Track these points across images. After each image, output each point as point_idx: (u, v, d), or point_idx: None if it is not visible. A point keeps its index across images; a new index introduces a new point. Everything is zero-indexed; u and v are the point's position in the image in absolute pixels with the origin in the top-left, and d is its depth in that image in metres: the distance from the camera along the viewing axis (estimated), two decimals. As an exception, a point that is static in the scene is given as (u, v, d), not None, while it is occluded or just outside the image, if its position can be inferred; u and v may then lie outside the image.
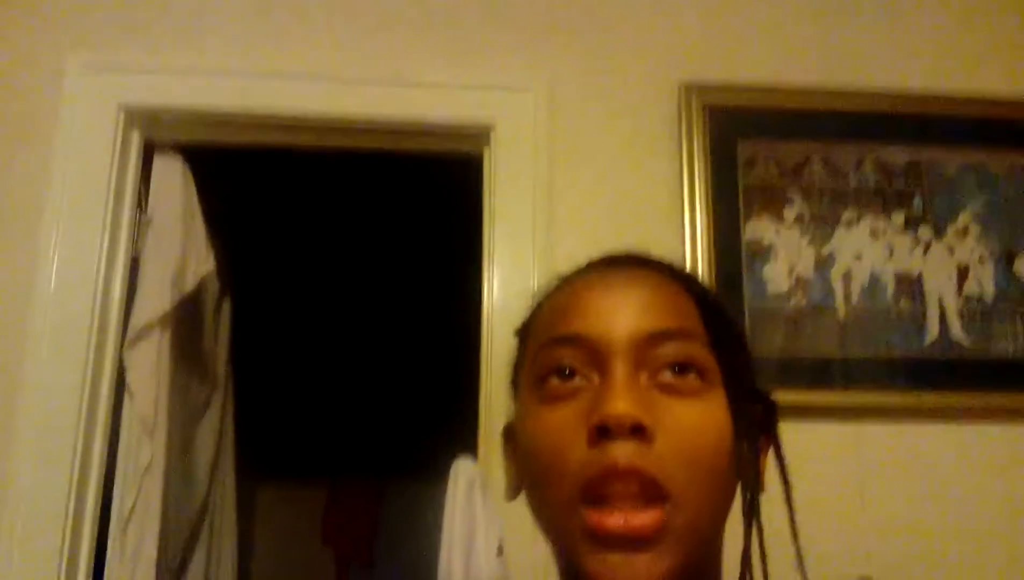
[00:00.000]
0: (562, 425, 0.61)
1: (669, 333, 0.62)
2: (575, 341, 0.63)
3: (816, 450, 1.53)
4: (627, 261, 0.70)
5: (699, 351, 0.62)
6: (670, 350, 0.61)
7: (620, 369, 0.60)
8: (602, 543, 0.57)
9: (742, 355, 0.67)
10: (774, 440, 0.67)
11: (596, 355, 0.62)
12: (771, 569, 0.64)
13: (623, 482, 0.57)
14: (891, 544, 1.51)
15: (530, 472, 0.64)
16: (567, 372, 0.62)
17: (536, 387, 0.64)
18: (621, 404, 0.58)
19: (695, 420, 0.60)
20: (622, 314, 0.63)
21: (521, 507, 0.67)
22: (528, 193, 1.63)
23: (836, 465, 1.55)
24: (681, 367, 0.61)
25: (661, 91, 1.69)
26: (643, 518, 0.56)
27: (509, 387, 0.73)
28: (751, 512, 0.64)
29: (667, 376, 0.61)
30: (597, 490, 0.57)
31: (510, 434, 0.72)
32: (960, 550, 1.52)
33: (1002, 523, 1.55)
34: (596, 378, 0.62)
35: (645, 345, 0.61)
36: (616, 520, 0.56)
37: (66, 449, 1.50)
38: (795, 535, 0.65)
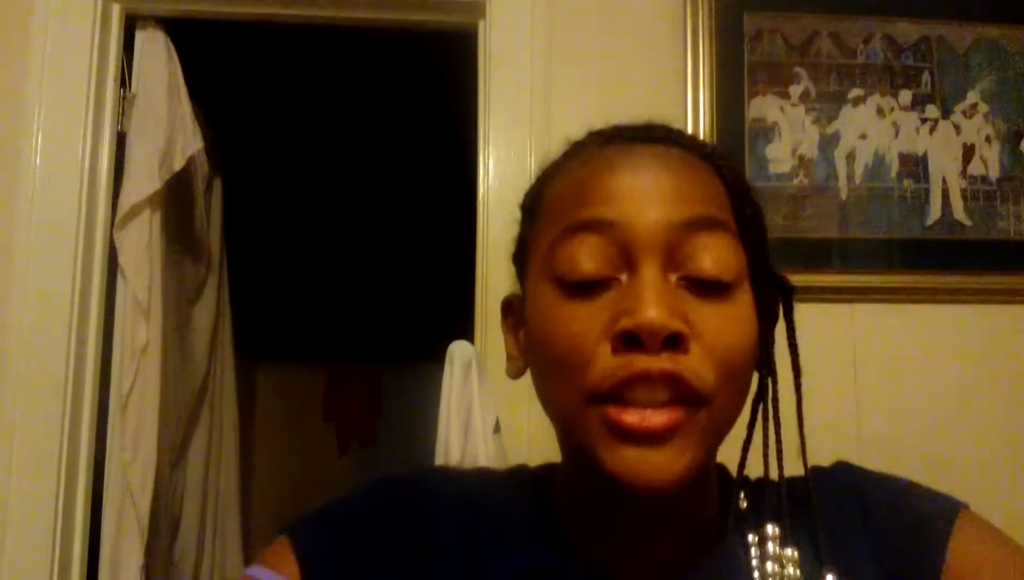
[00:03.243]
0: (584, 324, 0.56)
1: (702, 222, 0.57)
2: (599, 227, 0.57)
3: (811, 330, 1.52)
4: (650, 135, 0.63)
5: (730, 245, 0.58)
6: (702, 250, 0.56)
7: (651, 267, 0.55)
8: (619, 437, 0.54)
9: (764, 239, 0.63)
10: (789, 326, 0.65)
11: (624, 246, 0.56)
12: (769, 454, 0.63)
13: (651, 388, 0.53)
14: (883, 422, 1.53)
15: (543, 367, 0.60)
16: (589, 265, 0.57)
17: (552, 276, 0.59)
18: (654, 311, 0.53)
19: (727, 324, 0.56)
20: (652, 199, 0.57)
21: (516, 388, 0.66)
22: (525, 68, 1.58)
23: (831, 345, 1.56)
24: (712, 264, 0.57)
25: (665, -39, 1.62)
26: (661, 417, 0.53)
27: (511, 261, 0.69)
28: (764, 401, 0.63)
29: (697, 275, 0.56)
30: (619, 393, 0.54)
31: (510, 308, 0.69)
32: (953, 428, 1.55)
33: (997, 403, 1.56)
34: (623, 275, 0.56)
35: (677, 237, 0.56)
36: (633, 417, 0.53)
37: (61, 332, 1.50)
38: (800, 424, 0.64)
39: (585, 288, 0.57)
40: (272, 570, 0.63)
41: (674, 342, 0.54)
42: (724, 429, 0.58)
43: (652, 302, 0.54)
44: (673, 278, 0.56)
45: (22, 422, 1.47)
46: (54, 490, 1.47)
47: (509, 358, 0.68)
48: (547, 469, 0.71)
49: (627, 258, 0.56)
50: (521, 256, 0.67)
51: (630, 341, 0.54)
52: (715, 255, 0.57)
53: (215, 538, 2.26)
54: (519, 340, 0.67)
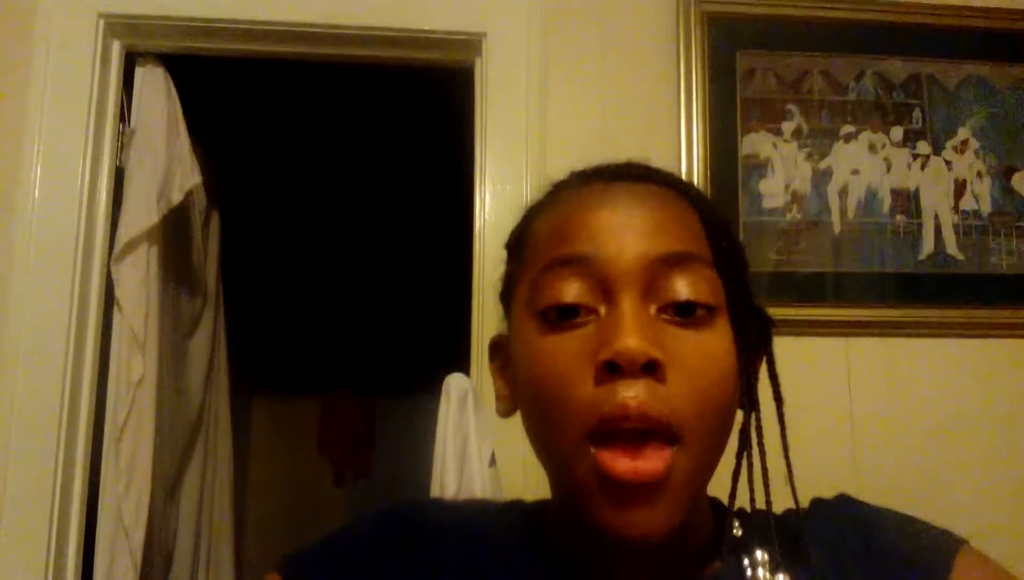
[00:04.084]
0: (567, 358, 0.57)
1: (678, 257, 0.58)
2: (579, 262, 0.58)
3: (806, 364, 1.54)
4: (629, 174, 0.65)
5: (707, 277, 0.59)
6: (679, 282, 0.58)
7: (629, 299, 0.57)
8: (609, 489, 0.55)
9: (744, 273, 0.64)
10: (768, 357, 0.65)
11: (602, 281, 0.58)
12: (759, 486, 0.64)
13: (632, 423, 0.54)
14: (878, 454, 1.53)
15: (530, 404, 0.61)
16: (569, 300, 0.58)
17: (535, 313, 0.60)
18: (632, 340, 0.54)
19: (705, 353, 0.57)
20: (629, 235, 0.59)
21: (512, 420, 0.66)
22: (521, 104, 1.60)
23: (826, 379, 1.56)
24: (689, 297, 0.58)
25: (660, -1, 1.64)
26: (651, 463, 0.54)
27: (499, 300, 0.70)
28: (749, 433, 0.63)
29: (676, 308, 0.58)
30: (605, 428, 0.55)
31: (498, 348, 0.69)
32: (948, 461, 1.55)
33: (992, 436, 1.57)
34: (602, 308, 0.58)
35: (654, 271, 0.58)
36: (624, 465, 0.54)
37: (57, 364, 1.50)
38: (786, 452, 0.64)
39: (566, 321, 0.58)
40: None
41: (652, 369, 0.55)
42: (710, 464, 0.59)
43: (630, 331, 0.55)
44: (652, 309, 0.58)
45: (16, 453, 1.47)
46: (47, 522, 1.46)
47: (499, 398, 0.69)
48: (541, 505, 0.71)
49: (606, 291, 0.58)
50: (507, 294, 0.68)
51: (612, 370, 0.55)
52: (690, 282, 0.58)
53: (208, 571, 2.24)
54: (508, 379, 0.67)
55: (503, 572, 0.65)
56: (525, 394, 0.61)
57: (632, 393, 0.54)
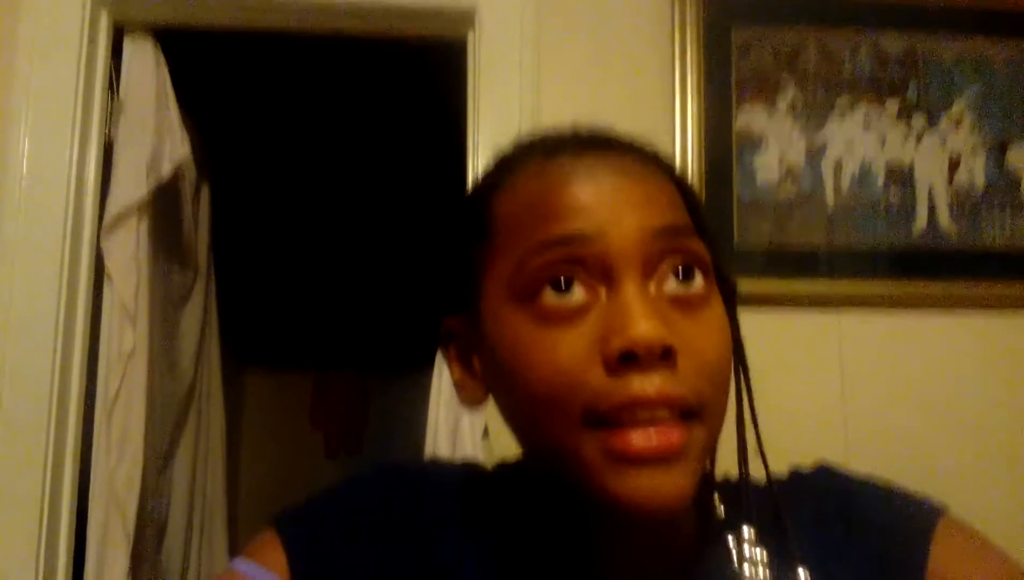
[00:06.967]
0: (569, 349, 0.53)
1: (674, 229, 0.56)
2: (573, 242, 0.54)
3: (799, 339, 1.54)
4: (595, 142, 0.61)
5: (697, 245, 0.57)
6: (675, 251, 0.56)
7: (632, 280, 0.54)
8: (625, 462, 0.52)
9: (713, 234, 0.62)
10: (733, 322, 0.62)
11: (600, 260, 0.54)
12: (727, 457, 0.64)
13: (650, 410, 0.52)
14: (870, 431, 1.54)
15: (521, 396, 0.55)
16: (564, 285, 0.54)
17: (522, 299, 0.55)
18: (647, 326, 0.51)
19: (710, 330, 0.55)
20: (621, 209, 0.55)
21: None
22: (514, 78, 1.58)
23: (818, 354, 1.55)
24: (686, 271, 0.56)
25: (654, -28, 1.63)
26: (670, 435, 0.51)
27: (445, 276, 0.66)
28: (738, 399, 0.63)
29: (673, 284, 0.55)
30: (616, 415, 0.52)
31: (453, 333, 0.65)
32: (940, 435, 1.56)
33: (984, 410, 1.58)
34: (603, 291, 0.54)
35: (650, 245, 0.55)
36: (641, 439, 0.51)
37: (47, 337, 1.49)
38: (754, 420, 0.63)
39: (564, 308, 0.54)
40: (259, 564, 0.62)
41: (668, 355, 0.52)
42: (718, 436, 0.58)
43: (642, 315, 0.52)
44: (652, 287, 0.55)
45: (7, 426, 1.46)
46: (39, 495, 1.46)
47: (461, 387, 0.64)
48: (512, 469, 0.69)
49: (604, 272, 0.54)
50: (464, 277, 0.62)
51: (628, 360, 0.52)
52: (687, 251, 0.56)
53: (201, 543, 2.25)
54: (474, 367, 0.63)
55: (498, 544, 0.64)
56: (515, 388, 0.56)
57: (650, 383, 0.52)
